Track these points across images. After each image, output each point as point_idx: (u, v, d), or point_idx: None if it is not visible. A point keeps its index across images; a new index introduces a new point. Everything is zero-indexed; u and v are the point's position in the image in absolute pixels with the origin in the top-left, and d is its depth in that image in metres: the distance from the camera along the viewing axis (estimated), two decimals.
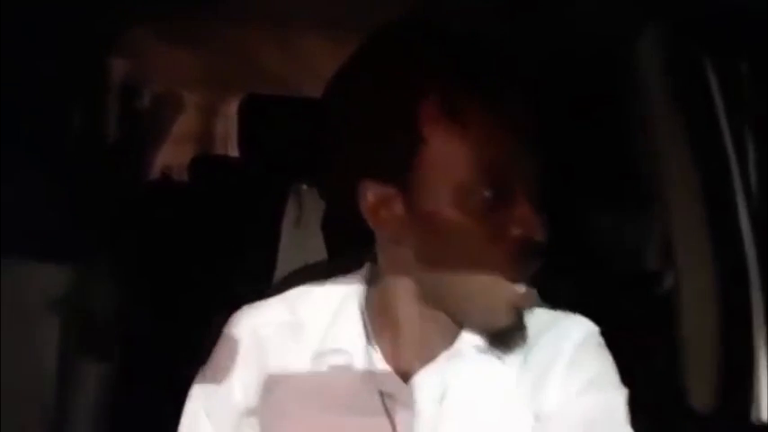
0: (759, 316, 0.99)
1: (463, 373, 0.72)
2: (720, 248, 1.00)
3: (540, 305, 0.76)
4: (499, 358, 0.71)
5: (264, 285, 1.14)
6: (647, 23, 1.01)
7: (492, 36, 0.65)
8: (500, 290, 0.65)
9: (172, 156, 2.28)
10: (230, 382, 0.74)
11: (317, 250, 1.16)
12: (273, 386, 0.73)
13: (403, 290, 0.70)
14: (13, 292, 0.93)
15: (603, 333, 0.76)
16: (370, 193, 0.66)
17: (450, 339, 0.72)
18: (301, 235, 1.62)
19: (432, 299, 0.69)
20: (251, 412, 0.74)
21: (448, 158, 0.62)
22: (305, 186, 1.85)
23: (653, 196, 1.13)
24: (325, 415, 0.72)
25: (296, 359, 0.73)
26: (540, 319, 0.75)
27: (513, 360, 0.72)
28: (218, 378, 0.76)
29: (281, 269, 1.35)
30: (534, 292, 0.69)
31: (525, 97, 0.64)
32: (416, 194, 0.64)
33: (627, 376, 0.75)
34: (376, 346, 0.72)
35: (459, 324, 0.71)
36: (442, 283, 0.67)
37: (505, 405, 0.71)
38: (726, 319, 1.00)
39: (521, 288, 0.65)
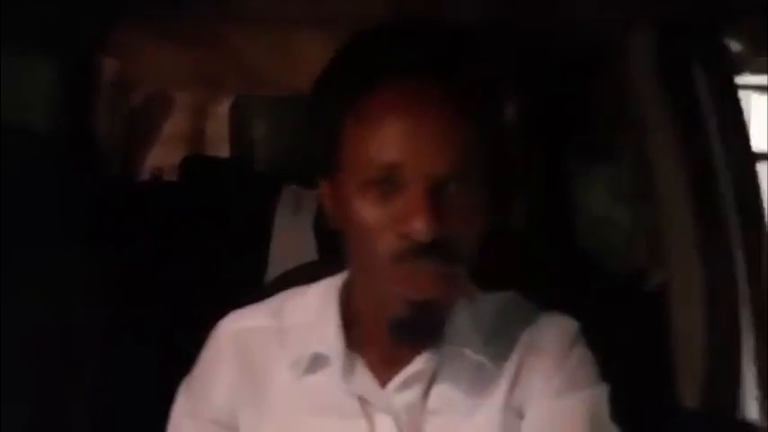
0: (746, 314, 1.00)
1: (442, 375, 0.71)
2: (708, 247, 1.01)
3: (520, 302, 0.76)
4: (479, 359, 0.71)
5: (255, 285, 1.14)
6: (635, 25, 1.02)
7: (475, 35, 0.67)
8: (395, 284, 0.64)
9: (162, 156, 2.27)
10: (213, 388, 0.74)
11: (308, 251, 1.16)
12: (256, 392, 0.73)
13: (364, 295, 0.71)
14: (4, 291, 0.92)
15: (590, 330, 0.76)
16: (321, 187, 0.71)
17: (424, 343, 0.71)
18: (292, 235, 1.62)
19: (364, 293, 0.70)
20: (233, 419, 0.74)
21: (355, 154, 0.64)
22: (295, 187, 1.85)
23: (642, 194, 1.13)
24: (305, 420, 0.71)
25: (278, 364, 0.73)
26: (519, 317, 0.75)
27: (493, 359, 0.71)
28: (202, 385, 0.76)
29: (272, 269, 1.36)
30: (456, 284, 0.67)
31: (453, 93, 0.63)
32: (337, 187, 0.67)
33: (614, 373, 0.76)
34: (356, 351, 0.71)
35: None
36: (360, 276, 0.70)
37: (486, 405, 0.71)
38: (713, 316, 1.00)
39: (413, 286, 0.64)
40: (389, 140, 0.62)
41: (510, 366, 0.72)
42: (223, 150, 2.66)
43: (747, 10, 0.94)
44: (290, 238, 1.64)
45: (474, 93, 0.65)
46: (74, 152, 1.16)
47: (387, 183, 0.62)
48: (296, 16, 1.20)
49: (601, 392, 0.73)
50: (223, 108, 2.59)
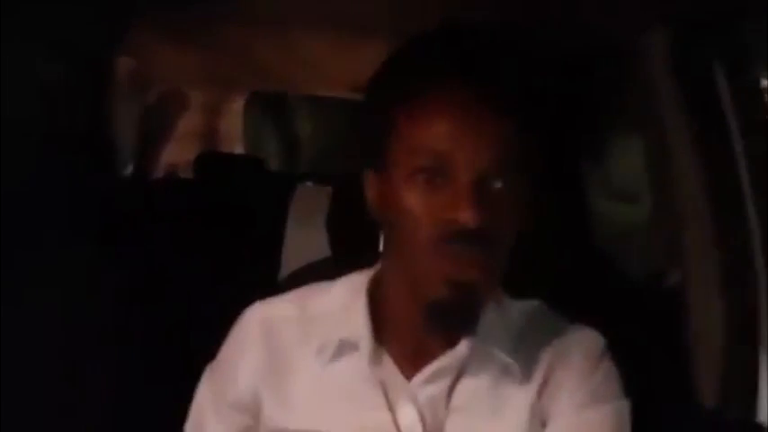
0: (765, 315, 0.98)
1: (469, 373, 0.73)
2: (727, 248, 1.00)
3: (547, 312, 0.78)
4: (507, 361, 0.73)
5: (269, 282, 1.14)
6: (655, 25, 1.01)
7: (500, 36, 0.72)
8: (438, 267, 0.67)
9: (177, 153, 2.28)
10: (239, 370, 0.76)
11: (321, 248, 1.17)
12: (280, 378, 0.74)
13: (400, 284, 0.73)
14: (16, 290, 0.93)
15: (607, 330, 0.77)
16: (367, 179, 0.74)
17: (454, 338, 0.73)
18: (306, 232, 1.62)
19: (401, 283, 0.72)
20: (256, 402, 0.75)
21: (408, 145, 0.69)
22: (310, 184, 1.85)
23: (661, 195, 1.12)
24: (329, 407, 0.73)
25: (303, 352, 0.74)
26: (547, 326, 0.76)
27: (521, 364, 0.73)
28: (227, 367, 0.77)
29: (286, 266, 1.36)
30: (493, 274, 0.70)
31: (499, 95, 0.68)
32: (385, 179, 0.71)
33: (632, 375, 0.75)
34: (382, 343, 0.73)
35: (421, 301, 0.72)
36: (401, 264, 0.72)
37: (510, 408, 0.72)
38: (732, 318, 0.99)
39: (455, 266, 0.67)
40: (441, 133, 0.67)
41: (537, 374, 0.74)
42: (237, 148, 2.67)
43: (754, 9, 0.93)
44: (304, 235, 1.64)
45: (516, 94, 0.70)
46: (89, 150, 1.17)
47: (435, 172, 0.67)
48: (308, 17, 1.20)
49: (623, 407, 0.74)
50: (237, 106, 2.60)
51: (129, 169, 2.05)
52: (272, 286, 0.96)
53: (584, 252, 1.39)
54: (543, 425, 0.73)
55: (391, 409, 0.72)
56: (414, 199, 0.68)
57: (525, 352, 0.74)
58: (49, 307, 0.94)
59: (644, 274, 1.32)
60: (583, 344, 0.75)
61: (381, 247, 0.76)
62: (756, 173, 1.00)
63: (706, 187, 1.01)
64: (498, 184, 0.68)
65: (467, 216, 0.65)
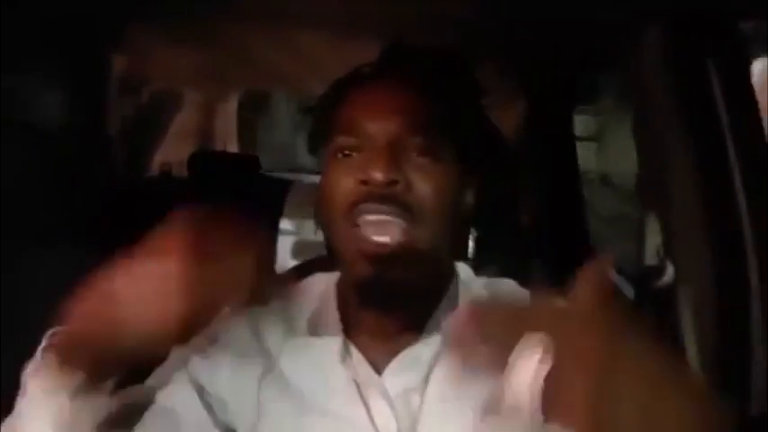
0: (757, 311, 0.99)
1: (441, 362, 0.70)
2: (719, 244, 1.00)
3: (517, 290, 0.76)
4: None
5: None
6: (649, 21, 1.02)
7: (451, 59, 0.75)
8: (350, 235, 0.67)
9: (172, 152, 2.28)
10: (218, 362, 0.73)
11: (315, 246, 1.17)
12: (256, 374, 0.73)
13: (342, 274, 0.73)
14: (11, 288, 0.93)
15: None
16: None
17: (421, 325, 0.72)
18: (300, 229, 1.62)
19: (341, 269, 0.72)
20: (238, 402, 0.72)
21: (332, 133, 0.72)
22: (304, 182, 1.85)
23: (653, 192, 1.13)
24: (304, 405, 0.71)
25: (279, 349, 0.73)
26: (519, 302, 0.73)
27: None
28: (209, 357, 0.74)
29: (280, 264, 1.35)
30: (420, 244, 0.68)
31: (407, 74, 0.72)
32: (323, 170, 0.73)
33: None
34: (351, 339, 0.72)
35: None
36: (330, 246, 0.71)
37: (486, 394, 0.67)
38: (724, 313, 1.00)
39: (371, 233, 0.66)
40: (359, 112, 0.71)
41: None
42: (231, 146, 2.67)
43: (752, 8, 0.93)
44: (298, 232, 1.64)
45: (430, 77, 0.72)
46: (83, 149, 1.17)
47: (352, 148, 0.69)
48: (304, 15, 1.20)
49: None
50: (231, 104, 2.60)
51: (124, 168, 2.04)
52: None
53: (576, 248, 1.39)
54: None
55: (366, 404, 0.70)
56: (331, 173, 0.70)
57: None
58: (42, 305, 0.94)
59: (636, 273, 1.32)
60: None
61: None
62: (749, 171, 1.01)
63: (699, 185, 1.01)
64: (413, 148, 0.68)
65: (376, 171, 0.65)
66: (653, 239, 1.31)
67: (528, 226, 1.52)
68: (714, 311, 1.00)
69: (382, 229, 0.66)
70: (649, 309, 1.13)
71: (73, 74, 1.11)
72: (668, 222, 1.08)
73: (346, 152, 0.70)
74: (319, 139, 0.75)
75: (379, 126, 0.69)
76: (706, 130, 1.01)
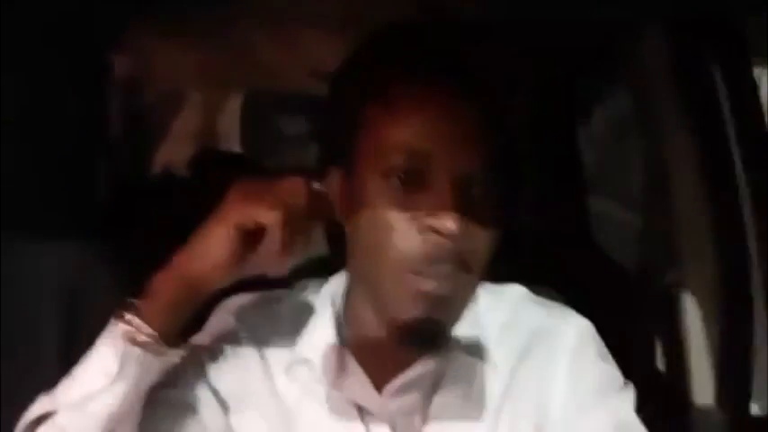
0: (760, 312, 0.99)
1: (446, 381, 0.67)
2: (723, 245, 1.00)
3: (530, 298, 0.73)
4: (485, 364, 0.67)
5: (265, 279, 1.14)
6: (652, 21, 1.01)
7: (469, 30, 0.67)
8: (407, 279, 0.62)
9: (174, 151, 2.28)
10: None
11: (318, 245, 1.16)
12: (243, 397, 0.69)
13: (366, 297, 0.67)
14: (13, 292, 0.93)
15: (603, 329, 0.73)
16: (332, 177, 0.68)
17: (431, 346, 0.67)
18: None
19: (366, 293, 0.67)
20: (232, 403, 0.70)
21: (380, 140, 0.63)
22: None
23: (657, 192, 1.13)
24: (302, 421, 0.68)
25: (270, 368, 0.70)
26: (530, 315, 0.71)
27: (501, 365, 0.68)
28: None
29: None
30: (467, 288, 0.65)
31: (479, 93, 0.63)
32: (353, 176, 0.65)
33: (627, 371, 0.75)
34: (350, 355, 0.68)
35: (384, 320, 0.65)
36: (366, 272, 0.66)
37: (493, 413, 0.67)
38: (727, 314, 1.00)
39: (430, 281, 0.61)
40: (421, 128, 0.61)
41: (525, 375, 0.68)
42: (234, 146, 2.67)
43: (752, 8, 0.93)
44: None
45: (494, 96, 0.64)
46: (84, 149, 1.17)
47: (410, 173, 0.61)
48: (306, 15, 1.20)
49: (628, 398, 0.69)
50: (234, 104, 2.60)
51: (126, 168, 2.05)
52: (269, 282, 0.96)
53: (580, 252, 1.39)
54: (537, 427, 0.67)
55: (365, 424, 0.67)
56: (385, 201, 0.61)
57: (507, 347, 0.68)
58: (44, 303, 0.95)
59: (640, 276, 1.32)
60: (571, 333, 0.69)
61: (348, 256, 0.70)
62: (752, 171, 1.00)
63: (702, 187, 1.01)
64: (478, 189, 0.62)
65: (450, 226, 0.59)
66: (655, 240, 1.31)
67: (528, 226, 1.52)
68: (716, 312, 0.99)
69: (444, 280, 0.61)
70: (650, 309, 1.13)
71: (73, 74, 1.11)
72: (670, 222, 1.08)
73: (399, 176, 0.61)
74: (346, 141, 0.65)
75: (451, 159, 0.61)
76: (708, 130, 1.01)
